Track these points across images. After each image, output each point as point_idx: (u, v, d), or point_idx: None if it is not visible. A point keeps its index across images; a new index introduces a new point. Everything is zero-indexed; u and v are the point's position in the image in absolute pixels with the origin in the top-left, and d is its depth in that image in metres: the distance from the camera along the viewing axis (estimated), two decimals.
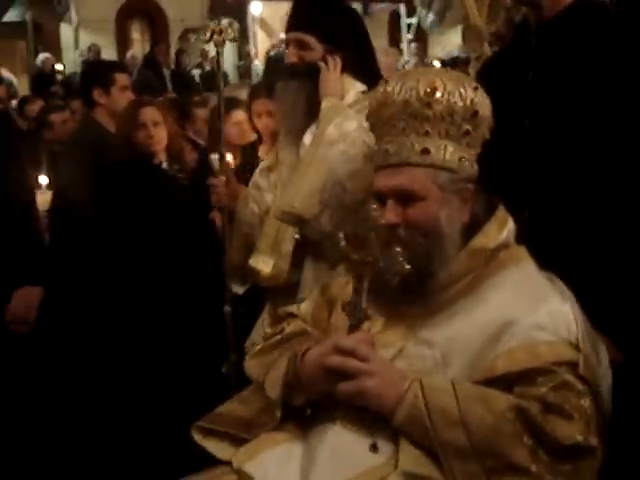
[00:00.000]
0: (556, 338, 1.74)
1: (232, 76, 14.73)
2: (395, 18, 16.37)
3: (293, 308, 2.19)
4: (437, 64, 13.71)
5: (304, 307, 2.16)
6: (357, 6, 17.68)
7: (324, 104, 2.68)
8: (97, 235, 4.00)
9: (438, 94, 1.85)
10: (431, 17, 14.99)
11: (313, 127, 2.71)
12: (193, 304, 3.74)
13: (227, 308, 3.16)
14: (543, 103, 2.16)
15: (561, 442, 1.66)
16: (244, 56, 15.57)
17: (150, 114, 4.06)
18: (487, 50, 4.98)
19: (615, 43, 2.10)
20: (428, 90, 1.85)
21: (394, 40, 15.87)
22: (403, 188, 1.86)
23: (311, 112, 2.72)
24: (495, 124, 1.95)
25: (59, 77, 13.43)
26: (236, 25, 3.12)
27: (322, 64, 2.71)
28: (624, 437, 1.86)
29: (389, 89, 1.91)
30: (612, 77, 2.07)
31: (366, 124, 2.10)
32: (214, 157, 3.08)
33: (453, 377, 1.77)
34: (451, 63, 11.64)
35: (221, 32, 3.05)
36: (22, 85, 15.09)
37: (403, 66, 12.58)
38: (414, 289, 1.85)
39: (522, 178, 2.18)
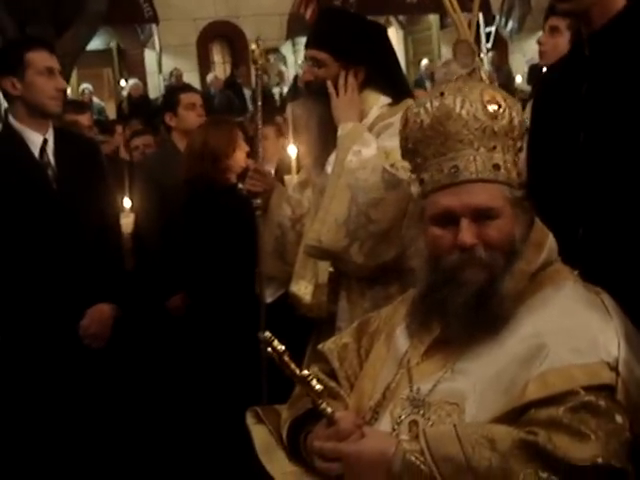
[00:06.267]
0: (591, 360, 1.65)
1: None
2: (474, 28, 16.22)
3: (323, 345, 2.15)
4: (519, 79, 13.53)
5: (330, 344, 2.11)
6: (435, 19, 17.71)
7: (340, 131, 2.62)
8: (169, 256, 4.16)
9: (502, 107, 1.80)
10: (510, 24, 14.82)
11: (334, 154, 2.66)
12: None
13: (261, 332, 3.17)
14: (598, 116, 2.08)
15: (577, 464, 1.57)
16: None
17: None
18: (478, 63, 5.01)
19: None
20: (493, 103, 1.80)
21: None
22: (483, 206, 1.76)
23: (326, 134, 2.68)
24: (550, 138, 1.88)
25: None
26: (262, 49, 3.09)
27: (331, 90, 2.66)
28: None
29: (448, 102, 1.80)
30: None
31: (392, 142, 2.01)
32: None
33: (489, 407, 1.70)
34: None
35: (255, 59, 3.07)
36: (110, 110, 15.61)
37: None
38: (482, 310, 1.77)
39: (576, 195, 2.10)
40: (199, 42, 16.22)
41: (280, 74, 14.68)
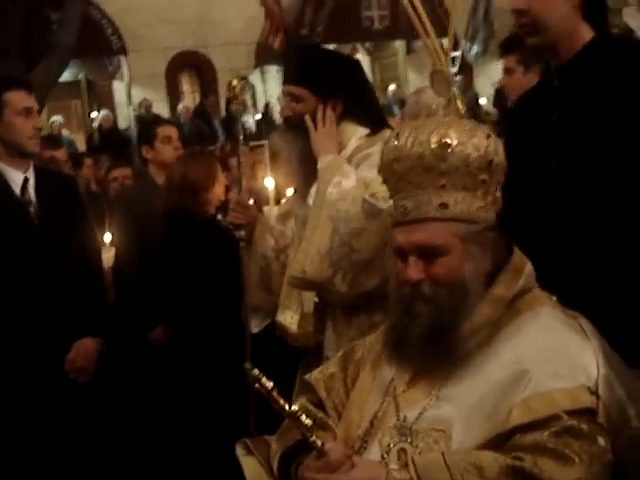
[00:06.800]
0: (572, 384, 1.70)
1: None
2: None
3: (309, 376, 2.16)
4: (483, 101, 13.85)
5: (317, 374, 2.12)
6: (401, 45, 17.94)
7: (320, 164, 2.68)
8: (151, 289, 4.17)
9: (451, 147, 1.78)
10: (475, 48, 15.00)
11: (315, 187, 2.71)
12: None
13: (247, 365, 3.08)
14: (569, 144, 2.16)
15: None
16: None
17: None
18: (454, 93, 5.23)
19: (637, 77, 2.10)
20: (441, 143, 1.78)
21: None
22: (425, 244, 1.81)
23: (307, 167, 2.74)
24: (523, 167, 1.93)
25: None
26: (243, 83, 3.24)
27: (309, 123, 2.72)
28: None
29: (401, 143, 1.83)
30: (637, 111, 2.06)
31: (376, 176, 2.03)
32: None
33: (474, 433, 1.74)
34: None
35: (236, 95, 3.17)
36: (79, 142, 15.57)
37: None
38: (437, 344, 1.82)
39: (550, 220, 2.18)
40: (168, 72, 16.25)
41: (243, 103, 14.72)
